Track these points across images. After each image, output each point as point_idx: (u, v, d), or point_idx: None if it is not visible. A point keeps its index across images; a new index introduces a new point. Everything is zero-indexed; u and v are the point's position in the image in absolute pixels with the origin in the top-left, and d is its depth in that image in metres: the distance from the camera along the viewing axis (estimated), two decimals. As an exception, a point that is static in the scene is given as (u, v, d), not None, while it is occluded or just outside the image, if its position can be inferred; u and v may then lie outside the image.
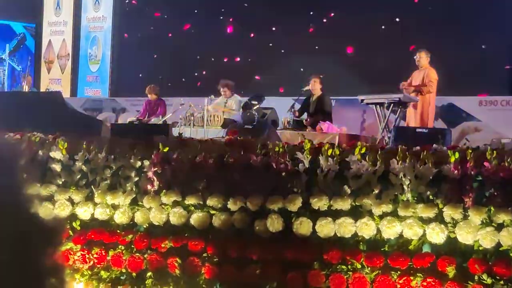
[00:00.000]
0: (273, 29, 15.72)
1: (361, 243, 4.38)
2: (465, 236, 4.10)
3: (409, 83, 11.46)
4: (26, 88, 17.22)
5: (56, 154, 5.27)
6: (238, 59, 15.90)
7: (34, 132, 5.63)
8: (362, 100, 11.54)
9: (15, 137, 5.43)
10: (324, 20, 15.05)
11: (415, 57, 11.54)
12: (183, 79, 16.39)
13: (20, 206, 0.96)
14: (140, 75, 16.87)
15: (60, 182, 5.26)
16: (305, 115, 12.49)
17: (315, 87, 12.33)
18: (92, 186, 5.19)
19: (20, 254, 0.93)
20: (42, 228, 0.98)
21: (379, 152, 4.49)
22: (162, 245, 4.85)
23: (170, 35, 17.18)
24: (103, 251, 5.01)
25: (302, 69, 14.21)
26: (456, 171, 4.19)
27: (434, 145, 4.55)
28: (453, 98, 13.09)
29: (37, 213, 0.97)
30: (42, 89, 19.19)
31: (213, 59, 16.06)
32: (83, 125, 7.78)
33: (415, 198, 4.30)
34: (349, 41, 14.53)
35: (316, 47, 14.69)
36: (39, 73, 20.07)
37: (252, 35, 16.07)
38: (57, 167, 5.26)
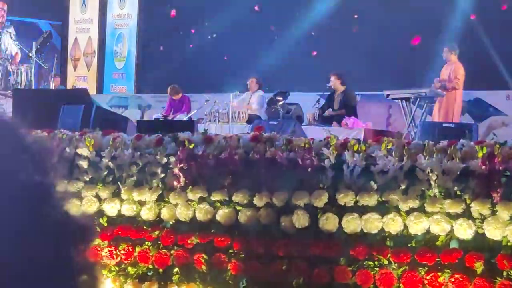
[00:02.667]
0: (299, 23, 15.69)
1: (387, 239, 4.35)
2: (493, 232, 4.06)
3: (438, 79, 11.40)
4: (53, 87, 17.35)
5: (83, 150, 5.30)
6: (265, 52, 15.87)
7: (60, 129, 5.67)
8: (388, 95, 11.49)
9: (42, 134, 5.48)
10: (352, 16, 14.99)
11: (442, 53, 11.47)
12: (209, 74, 16.40)
13: (53, 203, 0.97)
14: (166, 70, 16.92)
15: (87, 179, 5.29)
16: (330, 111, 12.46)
17: (334, 83, 12.30)
18: (118, 183, 5.21)
19: (52, 251, 0.93)
20: (74, 225, 0.99)
21: (406, 147, 4.46)
22: (189, 241, 4.87)
23: (193, 31, 17.23)
24: (130, 247, 5.04)
25: (328, 63, 14.16)
26: (483, 166, 4.16)
27: (461, 140, 4.51)
28: (480, 93, 12.97)
29: (69, 210, 0.98)
30: (69, 86, 19.34)
31: (238, 53, 16.06)
32: (109, 122, 7.81)
33: (442, 194, 4.27)
34: (375, 35, 14.45)
35: (342, 42, 14.65)
36: (66, 70, 20.22)
37: (277, 29, 16.06)
38: (84, 164, 5.29)
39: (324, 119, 12.09)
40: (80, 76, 20.12)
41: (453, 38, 12.36)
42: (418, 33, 13.71)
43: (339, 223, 4.45)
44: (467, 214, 4.17)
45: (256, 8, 16.35)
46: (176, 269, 4.92)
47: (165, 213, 5.00)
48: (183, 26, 17.50)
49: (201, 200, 4.91)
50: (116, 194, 5.21)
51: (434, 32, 13.36)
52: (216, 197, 4.85)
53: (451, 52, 11.36)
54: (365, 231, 4.38)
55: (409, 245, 4.30)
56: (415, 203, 4.29)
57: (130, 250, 5.04)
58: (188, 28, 17.29)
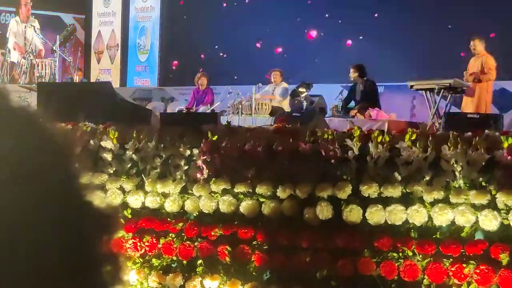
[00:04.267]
0: (326, 15, 15.64)
1: (412, 230, 4.33)
2: (518, 223, 4.03)
3: (468, 72, 11.29)
4: (76, 80, 17.46)
5: (107, 143, 5.33)
6: (287, 44, 15.85)
7: (85, 122, 5.70)
8: (412, 86, 11.43)
9: (67, 127, 5.51)
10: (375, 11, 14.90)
11: (470, 45, 11.35)
12: (232, 66, 16.42)
13: (76, 194, 0.98)
14: (189, 63, 16.96)
15: (111, 171, 5.32)
16: (352, 103, 12.43)
17: (354, 76, 12.27)
18: (142, 175, 5.24)
19: (76, 241, 0.94)
20: (98, 216, 0.99)
21: (430, 138, 4.43)
22: (212, 233, 4.88)
23: (218, 22, 17.23)
24: (154, 239, 5.07)
25: (351, 54, 14.10)
26: (509, 157, 4.12)
27: (486, 131, 4.47)
28: (506, 83, 12.85)
29: (92, 201, 0.99)
30: (92, 80, 19.45)
31: (261, 45, 16.05)
32: (133, 114, 7.84)
33: (467, 185, 4.24)
34: (399, 25, 14.37)
35: (364, 32, 14.59)
36: (89, 63, 20.34)
37: (299, 19, 16.02)
38: (108, 156, 5.32)
39: (347, 110, 12.08)
40: (104, 69, 20.24)
41: (478, 29, 12.24)
42: (443, 23, 13.60)
43: (363, 214, 4.44)
44: (492, 205, 4.13)
45: None
46: (200, 261, 4.93)
47: (188, 205, 5.02)
48: (206, 19, 17.49)
49: (225, 192, 4.92)
50: (140, 186, 5.23)
51: (459, 22, 13.25)
52: (239, 189, 4.86)
53: (481, 43, 11.23)
54: (389, 222, 4.36)
55: (433, 236, 4.28)
56: (439, 194, 4.26)
57: (154, 242, 5.06)
58: (211, 21, 17.28)
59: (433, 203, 4.27)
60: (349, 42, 14.62)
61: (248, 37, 16.37)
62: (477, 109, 10.84)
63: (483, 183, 4.20)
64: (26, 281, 0.89)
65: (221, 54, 16.70)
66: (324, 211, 4.51)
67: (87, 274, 0.95)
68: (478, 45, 11.25)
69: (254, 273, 4.74)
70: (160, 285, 5.05)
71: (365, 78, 12.25)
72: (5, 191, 0.89)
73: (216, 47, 17.08)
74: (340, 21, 15.22)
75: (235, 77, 15.61)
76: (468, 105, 11.16)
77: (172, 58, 18.51)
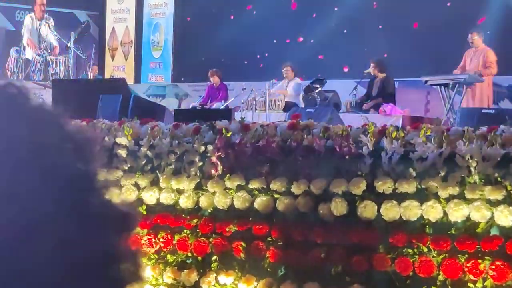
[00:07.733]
0: (336, 9, 15.61)
1: (427, 226, 4.32)
2: (534, 219, 4.01)
3: (462, 65, 11.24)
4: (91, 76, 17.52)
5: (121, 140, 5.35)
6: (301, 39, 15.83)
7: (99, 119, 5.73)
8: (426, 81, 11.38)
9: (81, 124, 5.53)
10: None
11: (468, 38, 11.31)
12: (246, 62, 16.41)
13: (96, 191, 0.98)
14: (203, 59, 16.97)
15: (126, 168, 5.33)
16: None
17: (373, 71, 12.23)
18: (157, 171, 5.25)
19: (95, 238, 0.95)
20: (117, 213, 1.00)
21: (445, 133, 4.41)
22: (227, 229, 4.89)
23: (232, 17, 17.24)
24: (169, 235, 5.08)
25: (365, 49, 14.04)
26: (525, 152, 4.10)
27: (501, 126, 4.44)
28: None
29: (111, 198, 1.00)
30: (106, 76, 19.51)
31: (275, 41, 16.04)
32: (147, 111, 7.87)
33: (483, 180, 4.22)
34: (413, 20, 14.31)
35: (380, 27, 14.55)
36: (103, 60, 20.40)
37: (314, 15, 15.99)
38: (123, 153, 5.33)
39: (362, 106, 12.05)
40: (118, 66, 20.29)
41: (490, 23, 12.18)
42: (456, 18, 13.53)
43: (378, 210, 4.43)
44: (508, 200, 4.11)
45: None
46: (214, 257, 4.94)
47: (203, 201, 5.03)
48: (219, 15, 17.50)
49: (239, 188, 4.92)
50: (154, 183, 5.24)
51: (472, 17, 13.18)
52: (254, 185, 4.86)
53: (479, 37, 11.20)
54: (404, 218, 4.35)
55: (449, 232, 4.26)
56: (454, 190, 4.25)
57: (169, 238, 5.07)
58: (224, 17, 17.29)
59: (448, 199, 4.26)
60: (364, 37, 14.56)
61: (263, 32, 16.35)
62: (480, 105, 10.78)
63: (499, 179, 4.18)
64: (45, 276, 0.89)
65: (234, 50, 16.68)
66: (338, 207, 4.51)
67: (106, 271, 0.95)
68: (476, 39, 11.21)
69: (268, 269, 4.74)
70: (175, 281, 5.07)
71: (384, 74, 12.21)
72: (24, 189, 0.90)
73: (229, 43, 17.07)
74: (354, 17, 15.17)
75: (249, 74, 15.59)
76: (469, 101, 11.09)
77: (186, 54, 18.52)
